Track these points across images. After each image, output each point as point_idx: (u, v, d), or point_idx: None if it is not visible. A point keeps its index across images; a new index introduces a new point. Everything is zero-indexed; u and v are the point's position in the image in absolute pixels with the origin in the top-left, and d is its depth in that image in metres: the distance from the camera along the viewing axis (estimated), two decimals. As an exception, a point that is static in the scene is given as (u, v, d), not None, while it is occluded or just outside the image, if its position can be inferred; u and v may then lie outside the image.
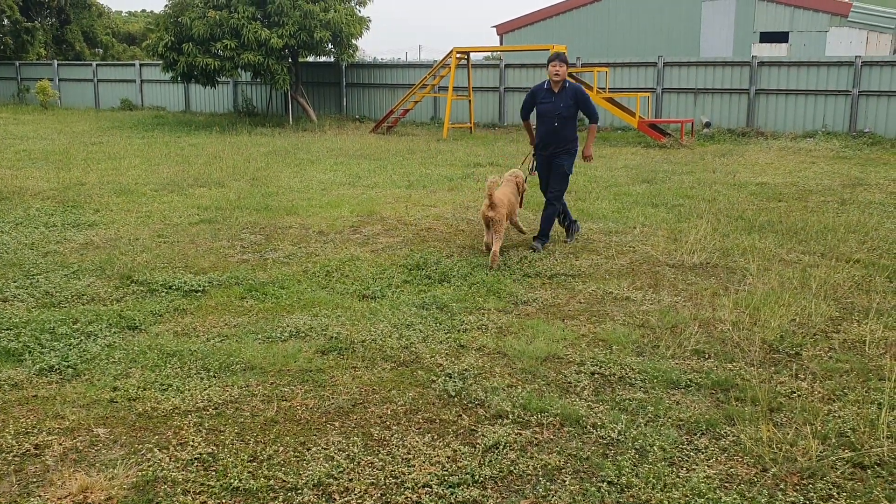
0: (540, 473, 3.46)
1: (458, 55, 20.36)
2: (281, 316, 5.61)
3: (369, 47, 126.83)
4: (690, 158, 15.08)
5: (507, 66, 23.00)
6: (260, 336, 5.19)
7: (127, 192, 10.73)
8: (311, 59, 25.48)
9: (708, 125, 19.79)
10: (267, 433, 3.83)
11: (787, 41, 25.67)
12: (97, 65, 31.25)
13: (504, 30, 30.45)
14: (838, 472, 3.45)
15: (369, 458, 3.59)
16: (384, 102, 24.83)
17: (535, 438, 3.78)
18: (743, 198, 10.56)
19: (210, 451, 3.64)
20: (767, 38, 26.01)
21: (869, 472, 3.47)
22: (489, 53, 29.69)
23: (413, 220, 9.03)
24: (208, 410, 4.08)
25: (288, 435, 3.81)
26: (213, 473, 3.44)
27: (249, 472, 3.45)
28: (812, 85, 18.97)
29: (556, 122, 7.72)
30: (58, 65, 31.90)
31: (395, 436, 3.80)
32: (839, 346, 5.07)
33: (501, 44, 30.09)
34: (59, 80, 31.45)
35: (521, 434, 3.82)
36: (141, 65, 30.04)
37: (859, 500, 3.23)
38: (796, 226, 8.62)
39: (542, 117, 7.84)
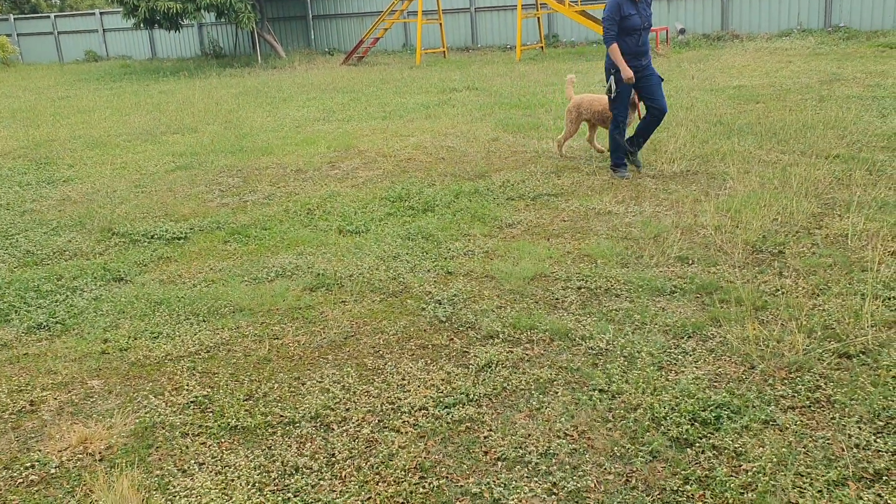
0: (532, 387, 3.51)
1: (424, -22, 19.85)
2: (266, 257, 5.59)
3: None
4: (667, 66, 14.90)
5: (475, -14, 22.47)
6: (246, 278, 5.18)
7: (100, 145, 10.55)
8: (274, -7, 24.82)
9: (682, 31, 19.52)
10: (261, 371, 3.86)
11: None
12: (56, 16, 30.36)
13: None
14: (825, 364, 3.52)
15: (364, 387, 3.63)
16: (353, 32, 24.32)
17: (526, 355, 3.83)
18: (721, 102, 10.49)
19: (205, 393, 3.67)
20: (739, -64, 25.42)
21: (854, 360, 3.53)
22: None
23: (392, 151, 8.94)
24: (200, 354, 4.10)
25: (282, 371, 3.84)
26: (211, 414, 3.48)
27: (246, 410, 3.49)
28: (786, -18, 18.65)
29: (644, 33, 7.11)
30: (14, 19, 30.95)
31: (389, 364, 3.84)
32: (822, 241, 5.12)
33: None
34: (18, 35, 30.58)
35: (512, 352, 3.86)
36: (101, 13, 29.21)
37: (846, 388, 3.30)
38: (775, 126, 8.59)
39: (630, 31, 7.02)
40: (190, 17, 21.29)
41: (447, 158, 8.39)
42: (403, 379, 3.67)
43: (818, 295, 4.28)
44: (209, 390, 3.70)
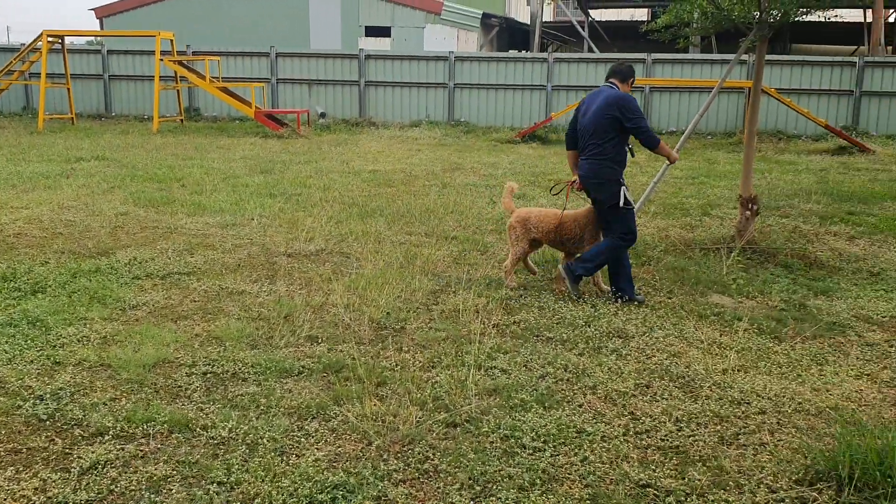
0: (145, 487, 3.24)
1: (49, 39, 18.37)
2: None
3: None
4: (308, 148, 15.41)
5: (110, 52, 21.36)
6: None
7: None
8: None
9: (323, 115, 20.41)
10: None
11: (389, 35, 27.42)
12: None
13: (104, 13, 28.17)
14: (434, 434, 3.75)
15: (-68, 508, 3.06)
16: (-38, 91, 21.53)
17: (140, 451, 3.54)
18: (356, 185, 11.05)
19: None
20: (372, 32, 27.53)
21: (459, 429, 3.82)
22: (92, 38, 27.30)
23: (-2, 224, 7.93)
24: None
25: None
26: None
27: None
28: (415, 77, 20.53)
29: None
30: None
31: (-32, 477, 3.29)
32: (438, 316, 5.53)
33: (102, 28, 27.83)
34: None
35: (124, 449, 3.54)
36: None
37: (451, 457, 3.54)
38: (403, 209, 9.25)
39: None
40: None
41: (66, 234, 7.66)
42: (-14, 493, 3.17)
43: (432, 368, 4.59)
44: None
